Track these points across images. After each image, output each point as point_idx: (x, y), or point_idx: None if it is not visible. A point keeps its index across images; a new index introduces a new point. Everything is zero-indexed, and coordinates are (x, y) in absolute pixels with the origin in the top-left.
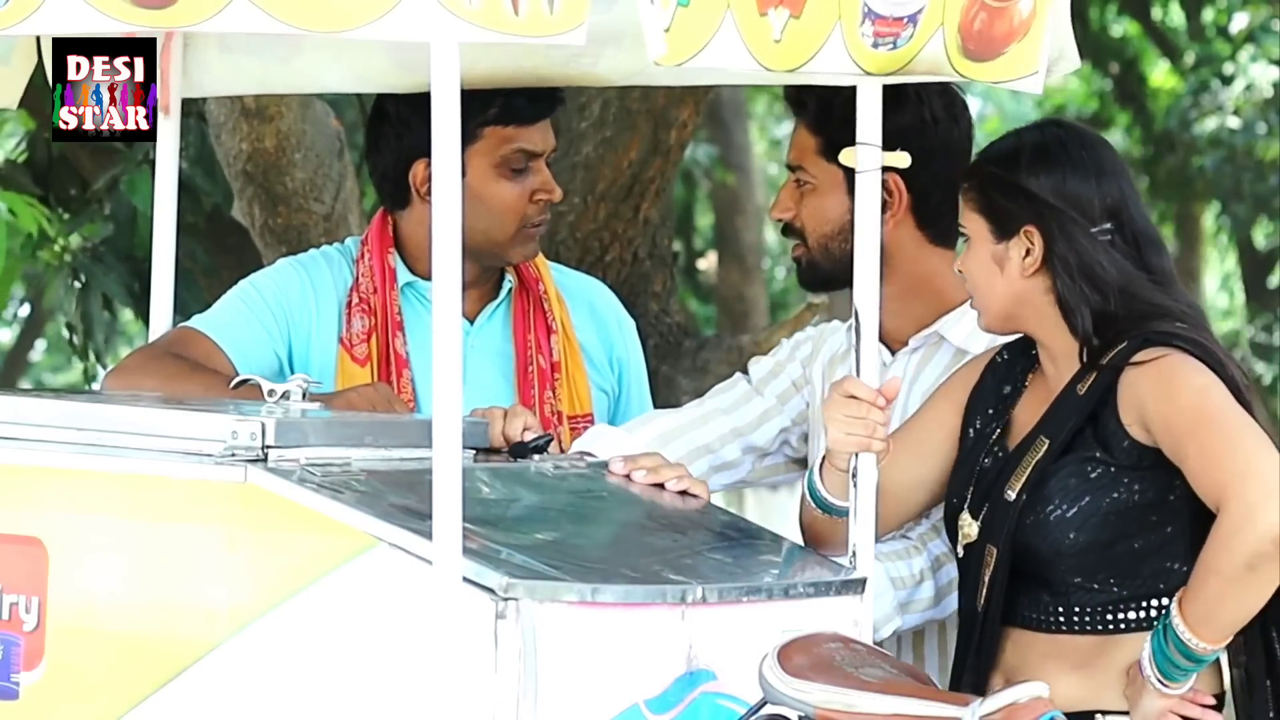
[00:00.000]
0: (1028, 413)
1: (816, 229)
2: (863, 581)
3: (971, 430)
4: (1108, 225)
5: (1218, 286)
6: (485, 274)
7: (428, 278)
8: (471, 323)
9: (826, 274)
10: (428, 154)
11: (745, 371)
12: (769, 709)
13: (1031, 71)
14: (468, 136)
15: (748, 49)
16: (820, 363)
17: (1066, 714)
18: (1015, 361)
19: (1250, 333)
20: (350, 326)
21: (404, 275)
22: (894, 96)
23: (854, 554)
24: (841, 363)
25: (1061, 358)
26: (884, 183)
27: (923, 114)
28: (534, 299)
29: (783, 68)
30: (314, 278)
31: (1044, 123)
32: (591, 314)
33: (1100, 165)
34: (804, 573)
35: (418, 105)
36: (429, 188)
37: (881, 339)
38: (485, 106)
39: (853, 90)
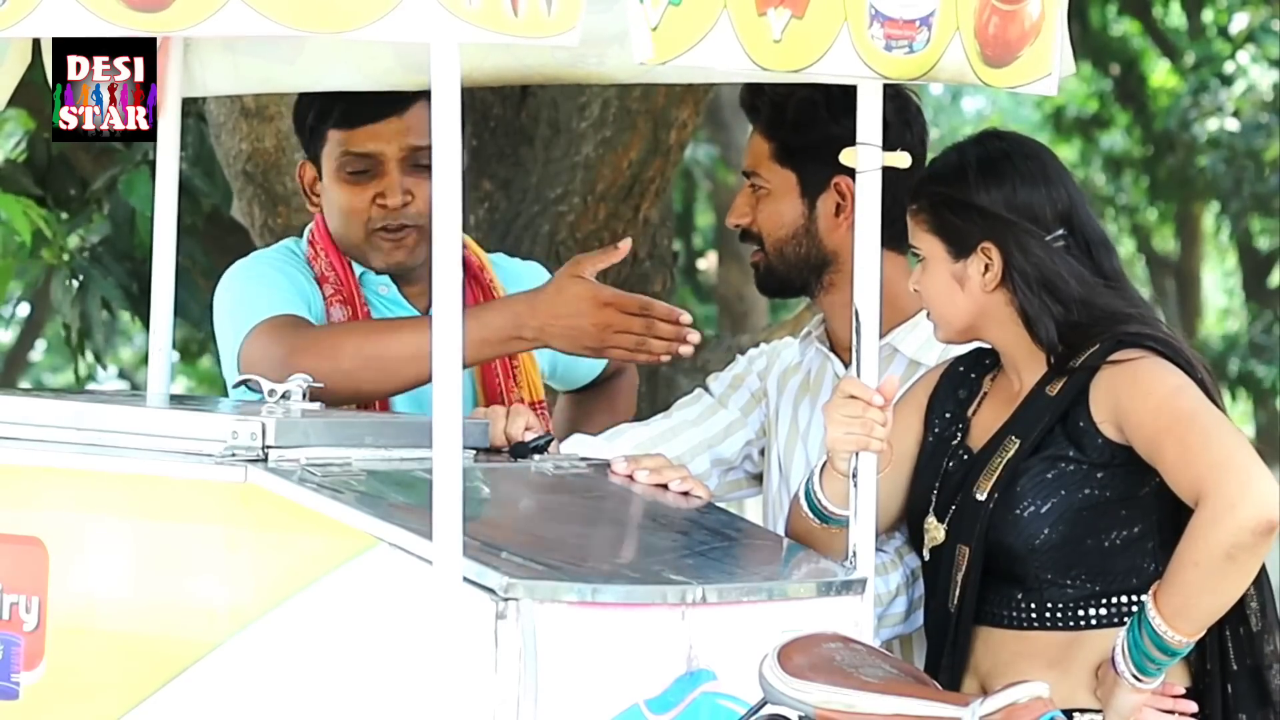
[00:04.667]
0: (990, 415)
1: (772, 233)
2: (863, 581)
3: (931, 435)
4: (1061, 231)
5: (1218, 286)
6: (428, 267)
7: (378, 271)
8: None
9: (782, 278)
10: (307, 155)
11: (705, 387)
12: (769, 709)
13: (1046, 74)
14: (321, 139)
15: (743, 48)
16: (775, 375)
17: None
18: (971, 367)
19: (1250, 333)
20: (330, 316)
21: (358, 268)
22: (845, 103)
23: (854, 554)
24: (794, 375)
25: (1024, 363)
26: (836, 186)
27: None
28: (483, 288)
29: (783, 68)
30: (304, 270)
31: (984, 136)
32: None
33: (1046, 172)
34: (804, 573)
35: (310, 106)
36: (312, 188)
37: (835, 350)
38: (331, 110)
39: (805, 94)
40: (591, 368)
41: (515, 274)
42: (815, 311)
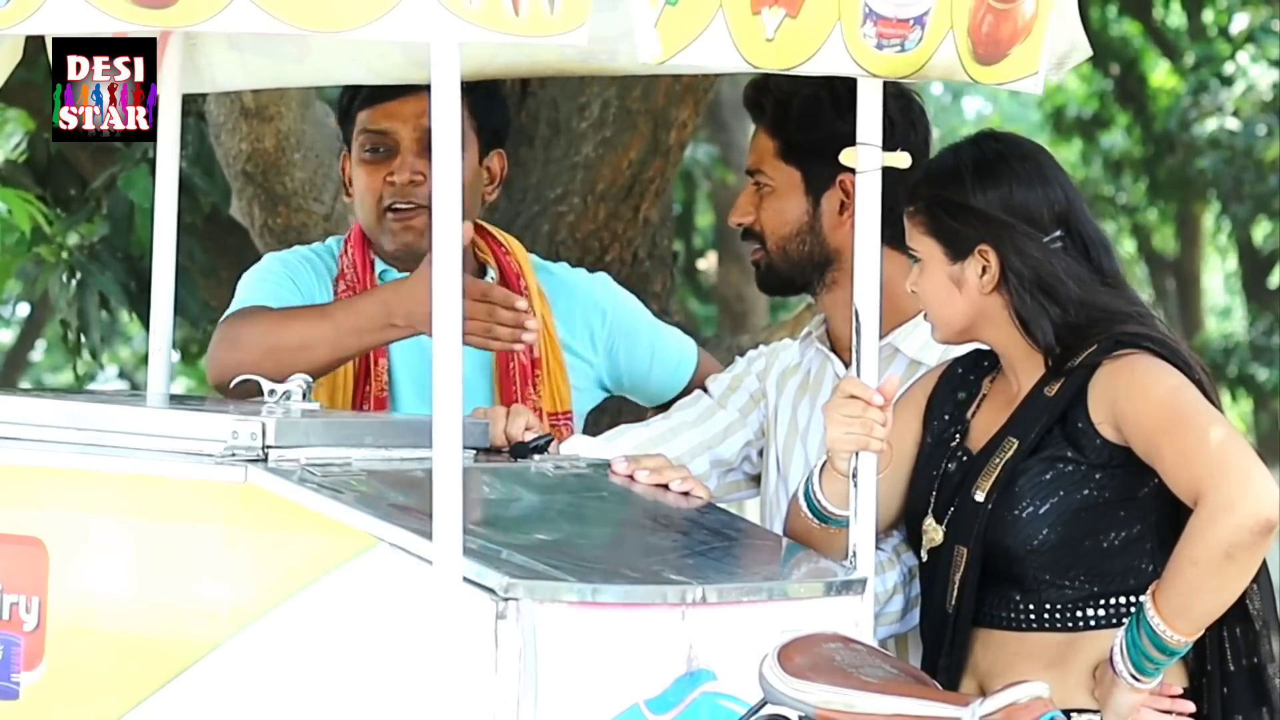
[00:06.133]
0: (988, 417)
1: (775, 231)
2: (863, 581)
3: (929, 436)
4: (1058, 233)
5: (1221, 287)
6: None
7: (401, 269)
8: None
9: (784, 276)
10: (346, 146)
11: (704, 389)
12: (769, 709)
13: (1032, 72)
14: (352, 124)
15: (736, 47)
16: (774, 376)
17: None
18: (970, 369)
19: (1251, 335)
20: None
21: (380, 265)
22: (851, 100)
23: (854, 554)
24: (793, 375)
25: (1022, 365)
26: (840, 184)
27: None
28: (514, 294)
29: (775, 66)
30: (316, 269)
31: (979, 137)
32: (570, 305)
33: (1043, 173)
34: (804, 573)
35: (348, 93)
36: (349, 180)
37: (835, 350)
38: (359, 91)
39: (810, 92)
40: (669, 384)
41: (566, 283)
42: (816, 312)
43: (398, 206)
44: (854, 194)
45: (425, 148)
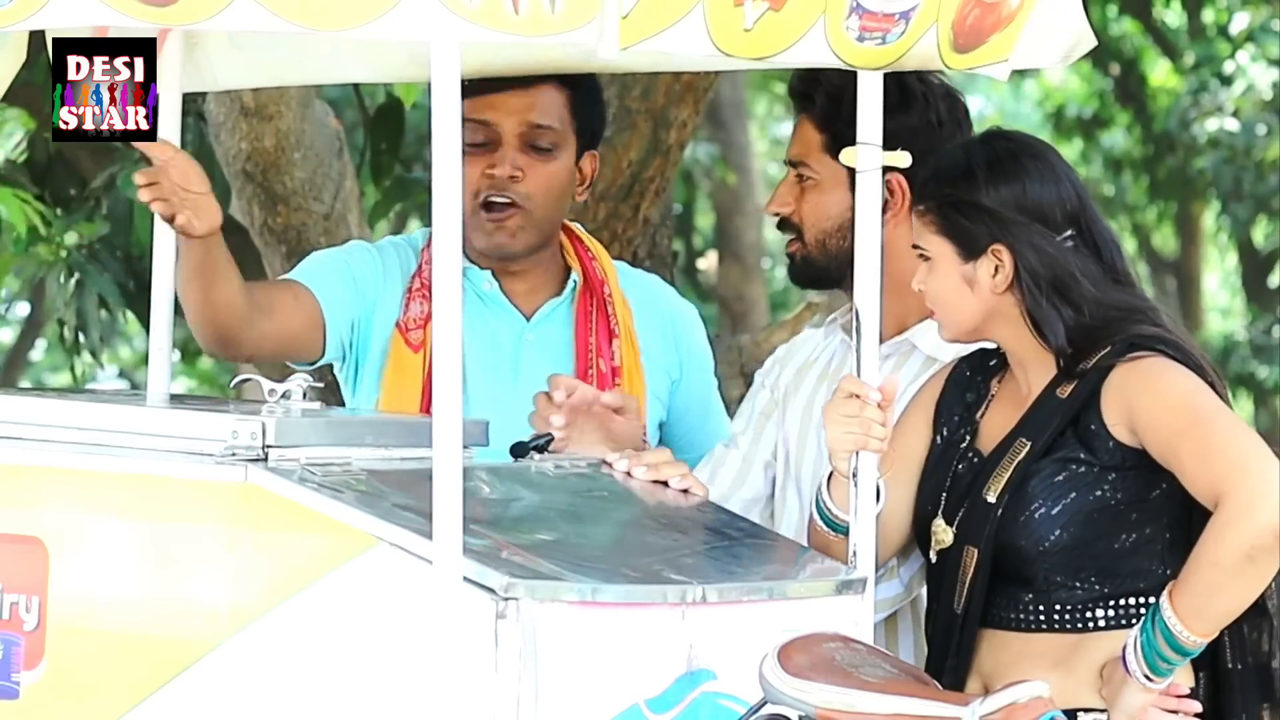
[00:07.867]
0: (999, 418)
1: (816, 225)
2: (863, 581)
3: (939, 438)
4: (1070, 232)
5: (1219, 286)
6: (541, 268)
7: (483, 266)
8: (528, 319)
9: (820, 270)
10: None
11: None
12: (769, 709)
13: (1003, 58)
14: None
15: (710, 36)
16: (789, 373)
17: None
18: (976, 369)
19: (1251, 334)
20: (408, 310)
21: (464, 262)
22: (900, 97)
23: (854, 554)
24: (812, 368)
25: (1032, 365)
26: (887, 182)
27: (929, 116)
28: (598, 300)
29: (750, 55)
30: (385, 261)
31: (989, 136)
32: (654, 315)
33: (1054, 172)
34: (804, 572)
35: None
36: None
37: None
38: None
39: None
40: (694, 444)
41: (636, 290)
42: (814, 310)
43: (492, 201)
44: (898, 192)
45: (528, 146)
